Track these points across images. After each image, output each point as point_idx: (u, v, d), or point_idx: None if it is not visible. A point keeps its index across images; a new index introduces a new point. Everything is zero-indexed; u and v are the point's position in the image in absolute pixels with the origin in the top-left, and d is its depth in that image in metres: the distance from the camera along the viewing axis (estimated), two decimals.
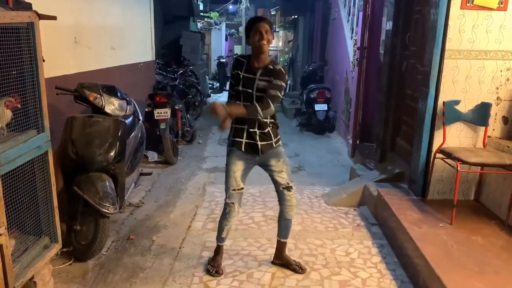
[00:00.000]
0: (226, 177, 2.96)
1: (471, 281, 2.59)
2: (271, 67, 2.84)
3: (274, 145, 2.92)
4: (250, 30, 2.80)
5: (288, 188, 2.99)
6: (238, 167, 2.93)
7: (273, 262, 3.24)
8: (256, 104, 2.75)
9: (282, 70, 2.85)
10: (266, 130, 2.88)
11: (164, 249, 3.42)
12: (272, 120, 2.93)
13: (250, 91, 2.83)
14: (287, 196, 3.01)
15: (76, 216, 3.18)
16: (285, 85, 2.86)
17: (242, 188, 2.96)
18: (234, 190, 2.93)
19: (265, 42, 2.76)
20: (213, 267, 3.11)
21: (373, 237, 3.70)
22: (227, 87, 2.81)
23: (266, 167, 2.98)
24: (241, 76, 2.86)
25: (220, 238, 3.14)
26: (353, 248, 3.49)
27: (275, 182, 3.00)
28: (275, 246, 3.25)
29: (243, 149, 2.89)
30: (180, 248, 3.44)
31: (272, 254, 3.30)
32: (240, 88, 2.85)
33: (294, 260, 3.20)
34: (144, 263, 3.20)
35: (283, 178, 2.96)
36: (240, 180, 2.94)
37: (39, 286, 2.57)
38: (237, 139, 2.90)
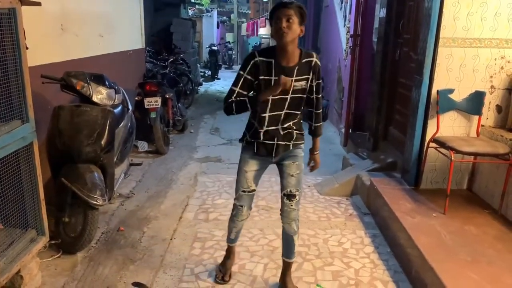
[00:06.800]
0: (237, 175, 2.60)
1: (464, 271, 2.58)
2: (306, 60, 2.36)
3: (291, 147, 2.51)
4: (272, 19, 2.29)
5: (290, 196, 2.54)
6: (251, 167, 2.56)
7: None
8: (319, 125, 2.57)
9: (318, 63, 2.40)
10: (288, 130, 2.48)
11: (155, 240, 3.38)
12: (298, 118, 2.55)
13: (285, 96, 2.36)
14: (285, 206, 2.56)
15: (64, 208, 3.11)
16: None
17: (254, 190, 2.61)
18: (244, 191, 2.59)
19: (284, 31, 2.21)
20: (220, 272, 2.86)
21: (365, 227, 3.69)
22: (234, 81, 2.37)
23: (280, 166, 2.59)
24: (272, 83, 2.33)
25: (229, 239, 2.86)
26: (345, 238, 3.47)
27: (281, 186, 2.59)
28: (267, 236, 3.20)
29: (258, 151, 2.51)
30: (171, 239, 3.39)
31: (264, 244, 3.29)
32: (271, 97, 2.34)
33: None
34: (134, 255, 3.15)
35: (290, 183, 2.53)
36: (252, 181, 2.58)
37: (26, 280, 2.52)
38: (252, 140, 2.50)
